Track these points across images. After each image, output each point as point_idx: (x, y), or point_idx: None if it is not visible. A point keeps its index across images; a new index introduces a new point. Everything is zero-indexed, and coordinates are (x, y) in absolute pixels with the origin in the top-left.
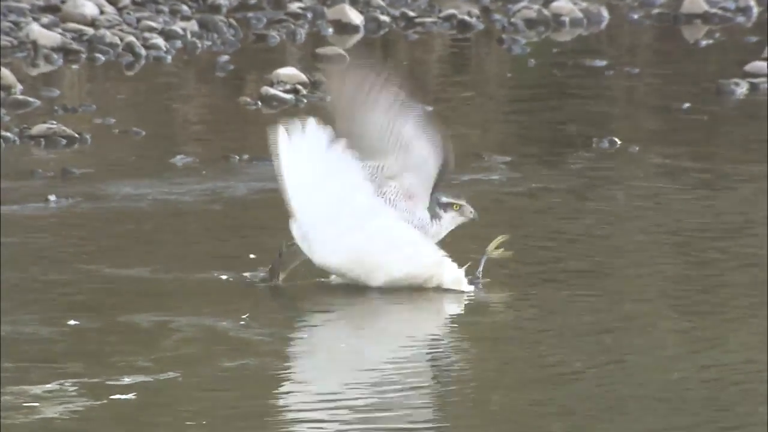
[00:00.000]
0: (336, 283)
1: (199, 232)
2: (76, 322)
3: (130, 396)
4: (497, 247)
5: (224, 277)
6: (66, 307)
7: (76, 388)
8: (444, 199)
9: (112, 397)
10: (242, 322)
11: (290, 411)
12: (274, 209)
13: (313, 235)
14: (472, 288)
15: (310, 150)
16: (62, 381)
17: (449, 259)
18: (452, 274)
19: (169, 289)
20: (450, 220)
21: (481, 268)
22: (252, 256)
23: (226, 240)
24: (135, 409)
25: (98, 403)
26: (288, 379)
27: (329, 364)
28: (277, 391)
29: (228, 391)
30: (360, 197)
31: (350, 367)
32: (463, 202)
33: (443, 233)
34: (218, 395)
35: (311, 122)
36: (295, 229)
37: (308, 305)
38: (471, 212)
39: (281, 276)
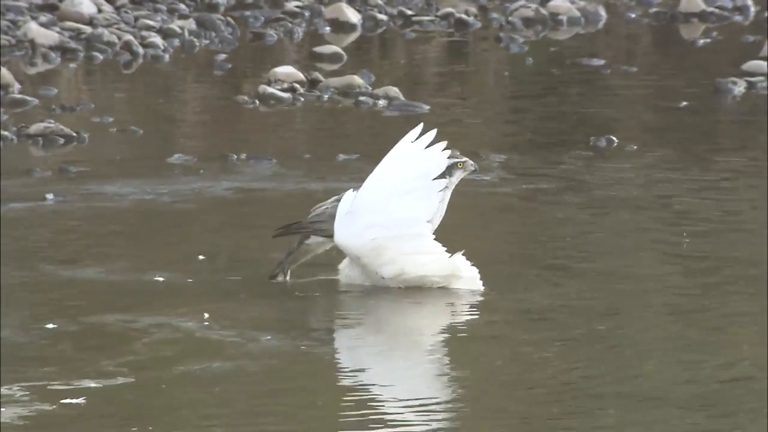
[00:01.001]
0: (344, 282)
1: (188, 231)
2: (54, 326)
3: (80, 400)
4: None
5: (161, 277)
6: (46, 309)
7: (28, 392)
8: (447, 161)
9: (62, 401)
10: (206, 323)
11: (225, 417)
12: (252, 207)
13: (354, 213)
14: (482, 288)
15: (419, 160)
16: (19, 384)
17: (463, 261)
18: (465, 276)
19: (144, 290)
20: (455, 180)
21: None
22: (201, 257)
23: (207, 240)
24: (82, 413)
25: (49, 407)
26: (224, 382)
27: (287, 366)
28: (215, 394)
29: (176, 396)
30: (417, 212)
31: (312, 370)
32: (464, 158)
33: (448, 194)
34: (167, 400)
35: (439, 146)
36: (347, 200)
37: (272, 304)
38: (472, 165)
39: (288, 271)
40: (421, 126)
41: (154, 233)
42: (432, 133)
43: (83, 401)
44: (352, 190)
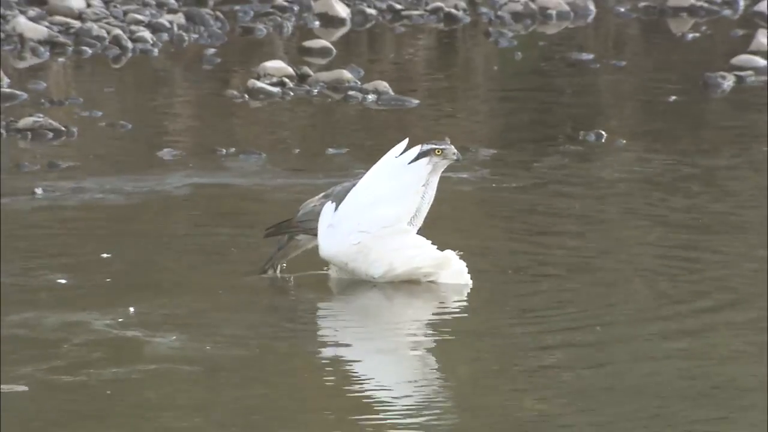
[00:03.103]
0: (335, 277)
1: (155, 227)
2: None
3: None
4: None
5: (63, 281)
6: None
7: None
8: (425, 147)
9: None
10: (119, 320)
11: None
12: (238, 202)
13: (335, 226)
14: (470, 281)
15: (404, 171)
16: None
17: (453, 254)
18: (454, 268)
19: (46, 288)
20: (430, 167)
21: None
22: (104, 255)
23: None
24: None
25: None
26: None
27: (197, 372)
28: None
29: (69, 408)
30: (397, 212)
31: (243, 374)
32: (444, 146)
33: (430, 189)
34: (67, 409)
35: (423, 161)
36: (327, 213)
37: (194, 303)
38: (454, 154)
39: (278, 267)
40: (406, 141)
41: (118, 228)
42: (416, 149)
43: None
44: (330, 202)
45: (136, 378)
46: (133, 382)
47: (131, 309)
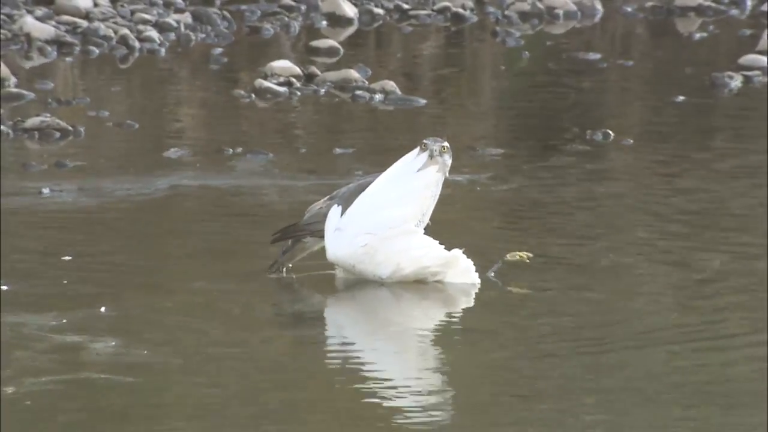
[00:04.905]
0: (340, 276)
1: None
2: None
3: None
4: (516, 256)
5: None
6: None
7: None
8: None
9: None
10: (59, 323)
11: None
12: (243, 201)
13: (342, 229)
14: (478, 280)
15: (416, 175)
16: None
17: (460, 253)
18: (461, 267)
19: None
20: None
21: (494, 270)
22: (66, 258)
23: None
24: None
25: None
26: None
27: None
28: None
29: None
30: (404, 213)
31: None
32: (429, 140)
33: (436, 189)
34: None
35: (432, 169)
36: (334, 216)
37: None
38: (438, 149)
39: (284, 270)
40: (417, 150)
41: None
42: (424, 156)
43: None
44: (336, 204)
45: (55, 390)
46: (57, 393)
47: (102, 309)
